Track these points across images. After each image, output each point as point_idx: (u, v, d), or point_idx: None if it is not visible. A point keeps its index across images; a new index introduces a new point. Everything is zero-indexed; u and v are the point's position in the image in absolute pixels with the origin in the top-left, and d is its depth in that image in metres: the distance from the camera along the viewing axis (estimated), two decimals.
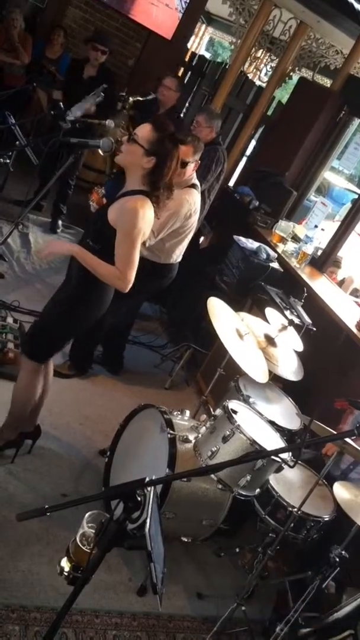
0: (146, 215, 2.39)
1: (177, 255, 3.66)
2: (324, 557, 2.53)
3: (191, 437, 2.67)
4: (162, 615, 2.56)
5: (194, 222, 3.60)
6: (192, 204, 3.49)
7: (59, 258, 4.61)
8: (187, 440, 2.65)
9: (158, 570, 1.47)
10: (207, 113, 4.48)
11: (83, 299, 2.54)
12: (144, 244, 3.42)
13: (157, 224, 3.33)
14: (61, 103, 3.93)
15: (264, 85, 6.45)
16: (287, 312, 3.69)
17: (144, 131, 2.36)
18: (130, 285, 2.42)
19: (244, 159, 6.64)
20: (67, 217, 5.39)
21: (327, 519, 2.63)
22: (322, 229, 5.32)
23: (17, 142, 3.60)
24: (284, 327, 3.29)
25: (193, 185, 3.55)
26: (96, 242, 2.45)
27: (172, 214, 3.39)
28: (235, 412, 2.53)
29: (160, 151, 2.35)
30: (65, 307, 2.57)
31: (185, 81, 7.48)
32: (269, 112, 6.41)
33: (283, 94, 8.54)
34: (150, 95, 4.54)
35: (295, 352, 3.30)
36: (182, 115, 6.13)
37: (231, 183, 6.21)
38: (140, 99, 4.36)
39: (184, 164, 3.28)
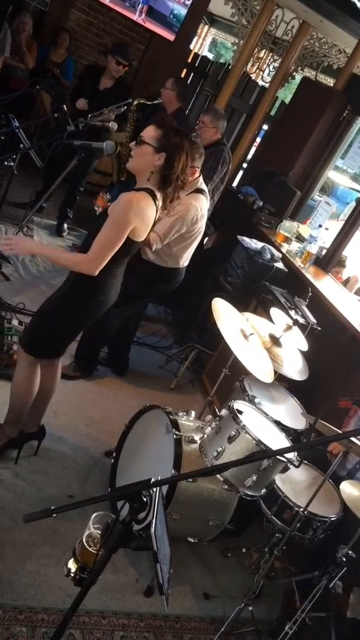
0: (141, 210, 2.38)
1: (184, 260, 3.66)
2: (331, 556, 2.53)
3: (197, 437, 2.68)
4: (169, 616, 2.56)
5: (201, 227, 3.59)
6: (198, 209, 3.47)
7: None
8: (192, 441, 2.66)
9: (164, 571, 1.47)
10: (213, 113, 4.46)
11: (76, 297, 2.54)
12: (150, 248, 3.42)
13: (163, 229, 3.33)
14: (64, 106, 3.94)
15: (267, 85, 6.45)
16: (292, 312, 3.69)
17: (149, 131, 2.42)
18: (98, 270, 2.38)
19: (248, 159, 6.64)
20: (71, 219, 5.41)
21: (333, 518, 2.63)
22: (327, 229, 5.30)
23: (21, 145, 3.61)
24: (289, 327, 3.29)
25: (200, 190, 3.54)
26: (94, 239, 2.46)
27: (178, 218, 3.39)
28: (240, 412, 2.53)
29: (168, 145, 2.39)
30: (59, 304, 2.58)
31: (188, 82, 7.49)
32: (272, 112, 6.41)
33: (286, 94, 8.57)
34: (157, 100, 4.53)
35: (300, 351, 3.29)
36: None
37: (235, 183, 6.21)
38: (147, 102, 4.34)
39: None
